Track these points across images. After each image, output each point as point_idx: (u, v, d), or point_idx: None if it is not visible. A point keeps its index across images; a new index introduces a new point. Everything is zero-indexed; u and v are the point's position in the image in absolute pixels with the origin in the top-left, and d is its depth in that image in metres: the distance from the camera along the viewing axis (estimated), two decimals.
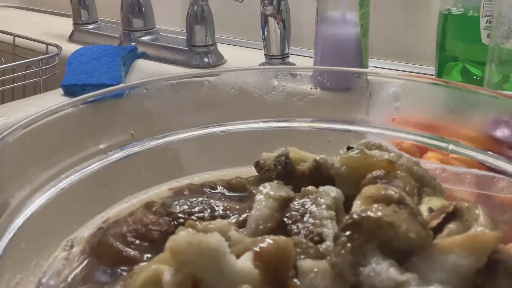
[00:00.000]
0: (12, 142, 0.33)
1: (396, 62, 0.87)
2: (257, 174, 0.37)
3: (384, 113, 0.45)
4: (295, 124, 0.47)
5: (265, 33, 0.81)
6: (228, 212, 0.35)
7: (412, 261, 0.26)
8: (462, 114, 0.42)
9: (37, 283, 0.32)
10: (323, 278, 0.26)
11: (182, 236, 0.25)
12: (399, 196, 0.28)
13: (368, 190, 0.29)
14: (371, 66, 0.77)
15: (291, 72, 0.48)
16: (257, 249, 0.26)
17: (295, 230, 0.30)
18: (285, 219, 0.31)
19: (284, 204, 0.31)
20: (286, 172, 0.36)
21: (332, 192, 0.32)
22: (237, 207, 0.35)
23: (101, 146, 0.40)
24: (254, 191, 0.34)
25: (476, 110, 0.42)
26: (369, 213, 0.26)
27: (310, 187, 0.32)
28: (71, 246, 0.35)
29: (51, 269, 0.33)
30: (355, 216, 0.26)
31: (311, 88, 0.49)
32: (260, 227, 0.30)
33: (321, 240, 0.29)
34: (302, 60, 0.88)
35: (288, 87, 0.48)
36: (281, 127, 0.47)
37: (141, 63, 0.92)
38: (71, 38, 1.08)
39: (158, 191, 0.42)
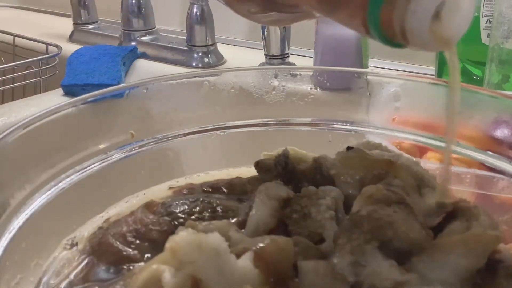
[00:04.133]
0: (12, 142, 0.33)
1: (396, 62, 0.87)
2: (257, 174, 0.37)
3: (384, 113, 0.45)
4: (295, 124, 0.47)
5: (265, 33, 0.81)
6: (228, 212, 0.35)
7: (412, 261, 0.26)
8: (462, 114, 0.42)
9: (37, 283, 0.32)
10: (323, 278, 0.26)
11: (182, 236, 0.25)
12: (399, 196, 0.28)
13: (368, 190, 0.29)
14: (371, 66, 0.77)
15: (291, 72, 0.48)
16: (257, 249, 0.26)
17: (295, 230, 0.30)
18: (285, 219, 0.31)
19: (284, 204, 0.31)
20: (286, 172, 0.36)
21: (332, 192, 0.32)
22: (237, 207, 0.35)
23: (101, 146, 0.40)
24: (254, 191, 0.34)
25: (476, 110, 0.42)
26: (369, 213, 0.26)
27: (310, 187, 0.32)
28: (71, 246, 0.35)
29: (51, 269, 0.33)
30: (355, 216, 0.26)
31: (311, 88, 0.49)
32: (260, 227, 0.30)
33: (321, 240, 0.29)
34: (302, 60, 0.88)
35: (288, 87, 0.48)
36: (281, 127, 0.47)
37: (141, 63, 0.92)
38: (71, 38, 1.08)
39: (158, 191, 0.42)
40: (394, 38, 0.25)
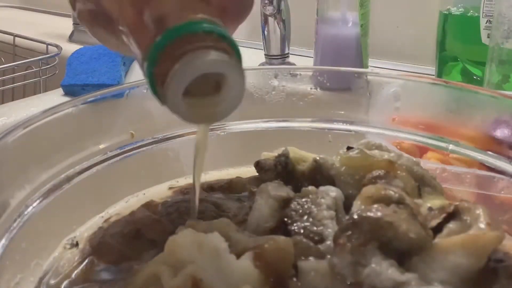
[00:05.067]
0: (12, 142, 0.33)
1: (396, 62, 0.87)
2: (257, 174, 0.37)
3: (384, 113, 0.45)
4: (295, 124, 0.47)
5: (265, 33, 0.81)
6: (228, 212, 0.35)
7: (412, 261, 0.26)
8: (462, 114, 0.42)
9: (37, 283, 0.32)
10: (323, 278, 0.26)
11: (182, 236, 0.25)
12: (399, 196, 0.28)
13: (368, 190, 0.29)
14: (371, 66, 0.77)
15: (291, 72, 0.48)
16: (257, 249, 0.26)
17: (295, 230, 0.30)
18: (285, 219, 0.31)
19: (284, 204, 0.31)
20: (286, 172, 0.36)
21: (332, 192, 0.32)
22: (237, 207, 0.35)
23: (101, 146, 0.40)
24: (254, 191, 0.34)
25: (476, 110, 0.42)
26: (369, 213, 0.26)
27: (310, 187, 0.32)
28: (72, 246, 0.35)
29: (51, 269, 0.33)
30: (355, 216, 0.26)
31: (311, 88, 0.49)
32: (260, 227, 0.30)
33: (321, 240, 0.29)
34: (302, 60, 0.88)
35: (288, 87, 0.48)
36: (281, 127, 0.47)
37: None
38: (71, 38, 1.08)
39: (158, 191, 0.42)
40: (162, 99, 0.25)
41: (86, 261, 0.33)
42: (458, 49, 0.69)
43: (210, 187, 0.40)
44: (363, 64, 0.70)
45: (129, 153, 0.42)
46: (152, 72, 0.25)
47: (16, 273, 0.31)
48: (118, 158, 0.41)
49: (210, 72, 0.24)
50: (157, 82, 0.25)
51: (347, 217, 0.27)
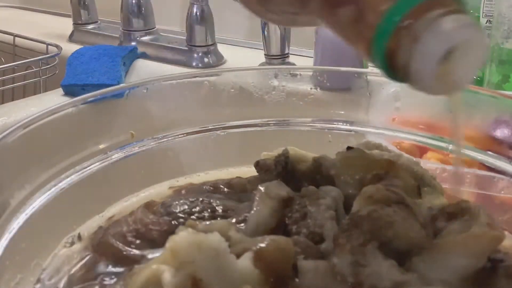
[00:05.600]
0: (12, 142, 0.33)
1: None
2: (257, 174, 0.37)
3: (384, 113, 0.45)
4: (295, 124, 0.47)
5: (265, 33, 0.81)
6: (228, 212, 0.35)
7: (412, 261, 0.26)
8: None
9: (37, 282, 0.32)
10: (323, 278, 0.26)
11: (182, 236, 0.25)
12: (399, 196, 0.28)
13: (368, 190, 0.29)
14: (371, 66, 0.77)
15: (291, 72, 0.49)
16: (257, 249, 0.26)
17: (295, 230, 0.30)
18: (285, 219, 0.31)
19: (284, 204, 0.31)
20: (286, 172, 0.36)
21: (332, 192, 0.32)
22: (237, 207, 0.35)
23: (101, 146, 0.40)
24: (254, 191, 0.34)
25: (476, 110, 0.42)
26: (369, 213, 0.26)
27: (310, 187, 0.32)
28: (72, 243, 0.35)
29: (51, 268, 0.33)
30: (355, 216, 0.26)
31: (311, 88, 0.49)
32: (260, 227, 0.30)
33: (321, 240, 0.29)
34: (302, 60, 0.88)
35: (288, 87, 0.48)
36: (281, 127, 0.47)
37: (141, 63, 0.92)
38: (71, 38, 1.08)
39: (158, 191, 0.42)
40: (397, 75, 0.23)
41: (86, 260, 0.33)
42: None
43: (210, 187, 0.40)
44: (363, 64, 0.70)
45: (129, 153, 0.42)
46: (385, 46, 0.22)
47: (16, 273, 0.31)
48: (118, 158, 0.41)
49: (464, 39, 0.21)
50: (391, 57, 0.22)
51: (347, 217, 0.27)
